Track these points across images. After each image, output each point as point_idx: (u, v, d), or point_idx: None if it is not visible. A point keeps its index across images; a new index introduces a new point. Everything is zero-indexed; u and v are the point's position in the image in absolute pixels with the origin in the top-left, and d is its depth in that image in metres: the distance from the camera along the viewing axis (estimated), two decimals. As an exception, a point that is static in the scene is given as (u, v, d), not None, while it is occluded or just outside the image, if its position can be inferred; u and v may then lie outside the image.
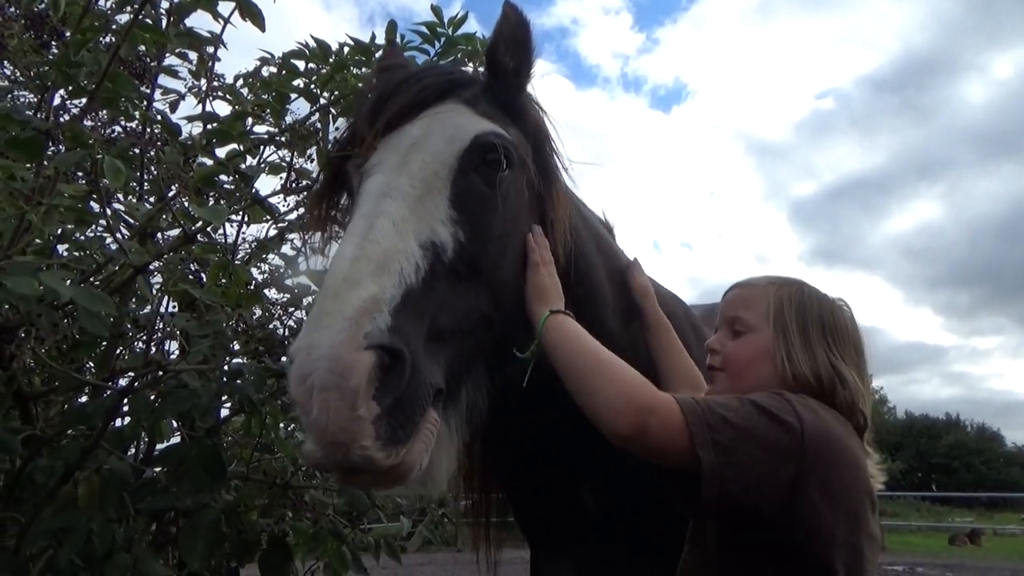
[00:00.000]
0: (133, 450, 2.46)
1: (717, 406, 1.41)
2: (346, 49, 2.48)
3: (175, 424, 2.31)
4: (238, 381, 1.85)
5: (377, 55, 2.41)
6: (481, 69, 1.92)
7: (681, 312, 2.54)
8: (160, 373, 1.81)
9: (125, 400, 1.86)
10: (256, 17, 2.13)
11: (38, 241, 2.04)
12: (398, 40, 2.54)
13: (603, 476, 2.12)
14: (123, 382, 2.00)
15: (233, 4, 2.21)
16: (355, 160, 1.63)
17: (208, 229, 2.28)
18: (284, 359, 1.88)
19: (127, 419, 2.09)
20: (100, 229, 2.32)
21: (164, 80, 2.54)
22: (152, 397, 1.94)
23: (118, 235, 1.91)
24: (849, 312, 1.74)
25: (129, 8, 2.15)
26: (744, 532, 1.44)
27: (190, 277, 1.97)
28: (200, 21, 2.43)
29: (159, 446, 2.36)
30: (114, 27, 2.28)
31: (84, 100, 2.09)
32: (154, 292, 2.15)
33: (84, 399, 2.32)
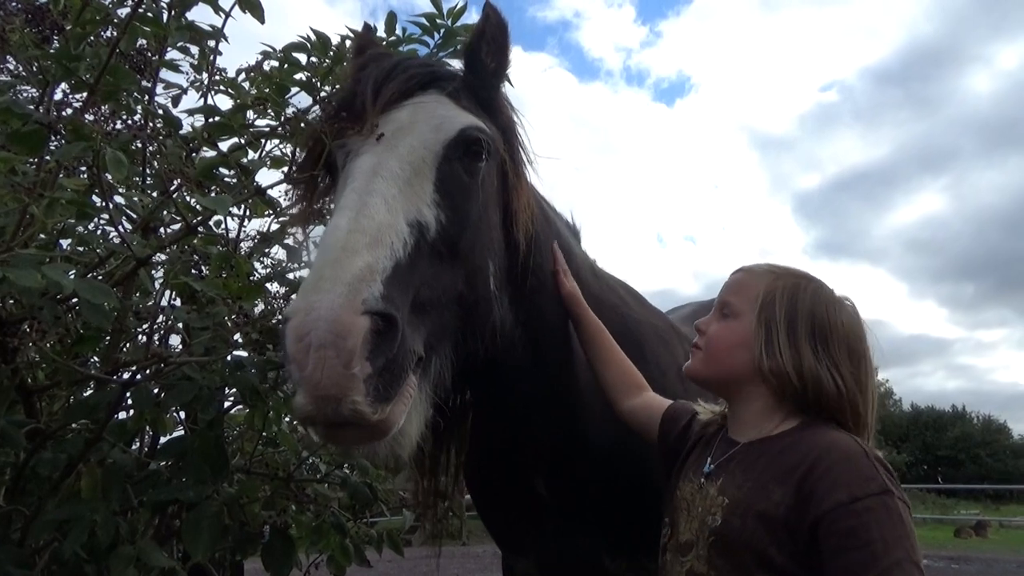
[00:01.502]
0: (137, 443, 2.48)
1: (905, 560, 1.33)
2: (348, 42, 2.47)
3: (179, 417, 2.33)
4: (239, 373, 1.86)
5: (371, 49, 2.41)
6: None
7: (642, 316, 2.53)
8: (162, 366, 1.81)
9: (128, 393, 1.87)
10: (255, 8, 2.13)
11: (42, 236, 2.04)
12: (399, 32, 2.54)
13: (552, 464, 2.17)
14: (126, 376, 2.01)
15: (234, -3, 2.21)
16: (338, 140, 1.70)
17: (210, 222, 2.29)
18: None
19: (132, 412, 2.10)
20: (102, 222, 2.32)
21: (166, 74, 2.55)
22: (156, 390, 1.95)
23: (120, 228, 1.91)
24: (851, 311, 1.67)
25: (129, 1, 2.15)
26: None
27: (192, 271, 1.97)
28: (202, 15, 2.43)
29: (163, 439, 2.37)
30: (115, 20, 2.29)
31: (85, 94, 2.09)
32: (156, 285, 2.16)
33: (89, 393, 2.33)
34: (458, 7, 2.42)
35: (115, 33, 2.17)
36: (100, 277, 2.14)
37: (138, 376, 1.84)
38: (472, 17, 2.52)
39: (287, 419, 2.55)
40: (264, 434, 2.45)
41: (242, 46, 2.78)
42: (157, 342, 2.48)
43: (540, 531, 2.28)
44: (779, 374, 1.58)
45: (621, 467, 2.17)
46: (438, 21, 2.41)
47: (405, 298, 1.39)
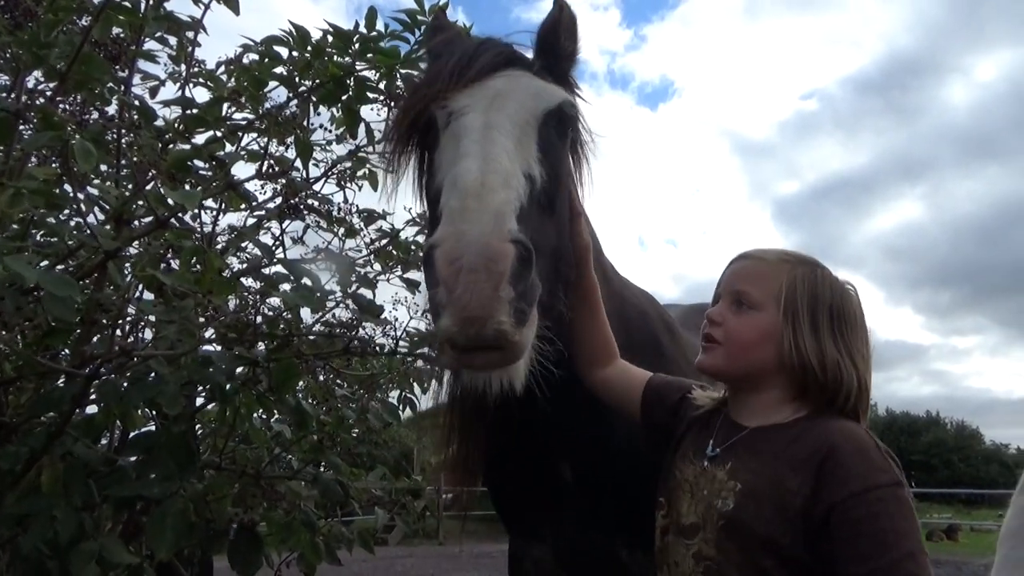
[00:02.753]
0: (108, 438, 2.44)
1: (918, 552, 1.38)
2: (330, 38, 2.45)
3: (151, 412, 2.29)
4: (210, 369, 1.84)
5: (356, 44, 2.39)
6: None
7: (653, 312, 2.54)
8: (131, 360, 1.78)
9: (95, 387, 1.84)
10: (231, 0, 2.09)
11: (15, 227, 2.01)
12: (381, 27, 2.52)
13: (582, 450, 2.15)
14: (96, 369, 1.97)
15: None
16: (438, 103, 1.81)
17: (186, 216, 2.26)
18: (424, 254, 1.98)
19: (101, 406, 2.06)
20: (74, 213, 2.28)
21: (145, 65, 2.51)
22: (125, 385, 1.91)
23: (90, 220, 1.88)
24: (857, 298, 1.66)
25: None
26: None
27: (162, 264, 1.94)
28: (182, 5, 2.39)
29: (133, 433, 2.33)
30: (89, 9, 2.25)
31: (56, 82, 2.05)
32: (127, 278, 2.12)
33: (55, 386, 2.29)
34: (440, 4, 2.40)
35: (89, 21, 2.13)
36: (71, 269, 2.11)
37: (103, 370, 1.81)
38: (455, 15, 2.52)
39: (259, 415, 2.52)
40: (236, 430, 2.43)
41: (226, 39, 2.75)
42: (131, 336, 2.45)
43: (559, 518, 2.26)
44: (804, 366, 1.56)
45: (642, 458, 2.17)
46: (419, 18, 2.39)
47: (528, 236, 1.48)
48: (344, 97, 2.49)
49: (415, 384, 2.78)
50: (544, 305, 1.63)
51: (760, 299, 1.63)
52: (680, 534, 1.62)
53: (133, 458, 2.04)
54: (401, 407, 2.83)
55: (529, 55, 2.04)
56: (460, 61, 1.83)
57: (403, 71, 2.50)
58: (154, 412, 2.31)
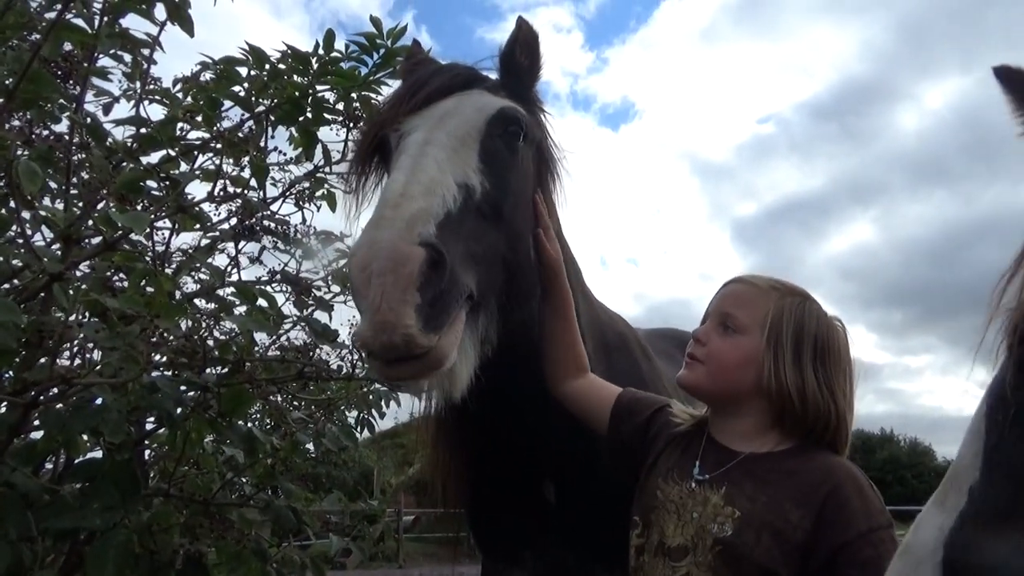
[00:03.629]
0: (52, 465, 2.35)
1: None
2: (289, 59, 2.43)
3: (99, 439, 2.21)
4: (159, 395, 1.79)
5: (315, 64, 2.38)
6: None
7: (632, 337, 2.56)
8: (71, 386, 1.73)
9: (36, 414, 1.78)
10: (185, 21, 2.07)
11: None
12: (342, 49, 2.51)
13: (565, 468, 2.14)
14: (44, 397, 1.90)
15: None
16: (391, 126, 1.87)
17: (140, 236, 2.21)
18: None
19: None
20: (16, 234, 2.22)
21: (99, 82, 2.45)
22: (68, 411, 1.85)
23: (34, 241, 1.82)
24: (844, 335, 1.69)
25: (57, 6, 2.07)
26: None
27: (109, 286, 1.89)
28: (139, 23, 2.35)
29: (77, 460, 2.25)
30: (39, 26, 2.20)
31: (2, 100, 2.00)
32: (74, 301, 2.06)
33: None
34: (398, 28, 2.40)
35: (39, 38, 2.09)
36: (16, 291, 2.04)
37: (41, 396, 1.75)
38: (419, 35, 2.53)
39: (211, 439, 2.46)
40: (187, 456, 2.36)
41: (185, 55, 2.71)
42: (77, 360, 2.37)
43: (543, 542, 2.23)
44: (784, 394, 1.58)
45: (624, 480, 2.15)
46: (378, 41, 2.38)
47: (456, 245, 1.50)
48: (301, 118, 2.47)
49: (372, 407, 2.74)
50: (491, 313, 1.66)
51: (746, 323, 1.66)
52: (664, 555, 1.61)
53: (76, 485, 1.97)
54: (359, 429, 2.79)
55: (494, 76, 2.07)
56: (415, 86, 1.88)
57: (361, 93, 2.50)
58: (100, 439, 2.23)
